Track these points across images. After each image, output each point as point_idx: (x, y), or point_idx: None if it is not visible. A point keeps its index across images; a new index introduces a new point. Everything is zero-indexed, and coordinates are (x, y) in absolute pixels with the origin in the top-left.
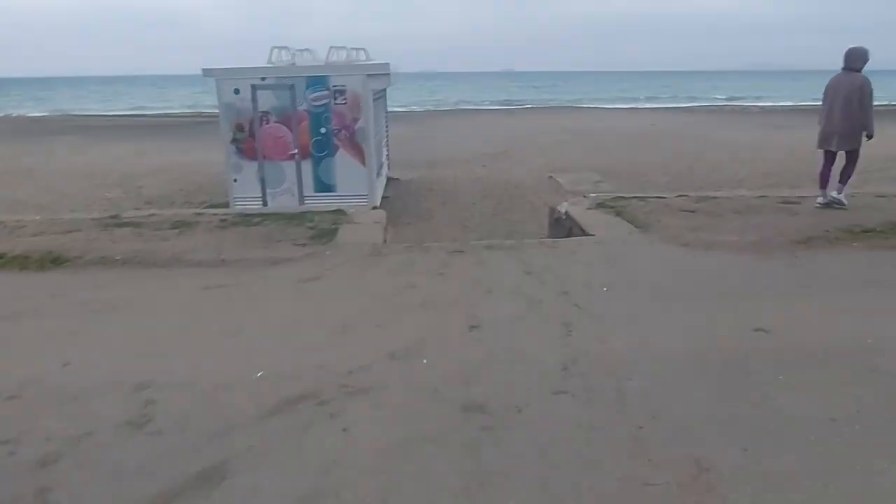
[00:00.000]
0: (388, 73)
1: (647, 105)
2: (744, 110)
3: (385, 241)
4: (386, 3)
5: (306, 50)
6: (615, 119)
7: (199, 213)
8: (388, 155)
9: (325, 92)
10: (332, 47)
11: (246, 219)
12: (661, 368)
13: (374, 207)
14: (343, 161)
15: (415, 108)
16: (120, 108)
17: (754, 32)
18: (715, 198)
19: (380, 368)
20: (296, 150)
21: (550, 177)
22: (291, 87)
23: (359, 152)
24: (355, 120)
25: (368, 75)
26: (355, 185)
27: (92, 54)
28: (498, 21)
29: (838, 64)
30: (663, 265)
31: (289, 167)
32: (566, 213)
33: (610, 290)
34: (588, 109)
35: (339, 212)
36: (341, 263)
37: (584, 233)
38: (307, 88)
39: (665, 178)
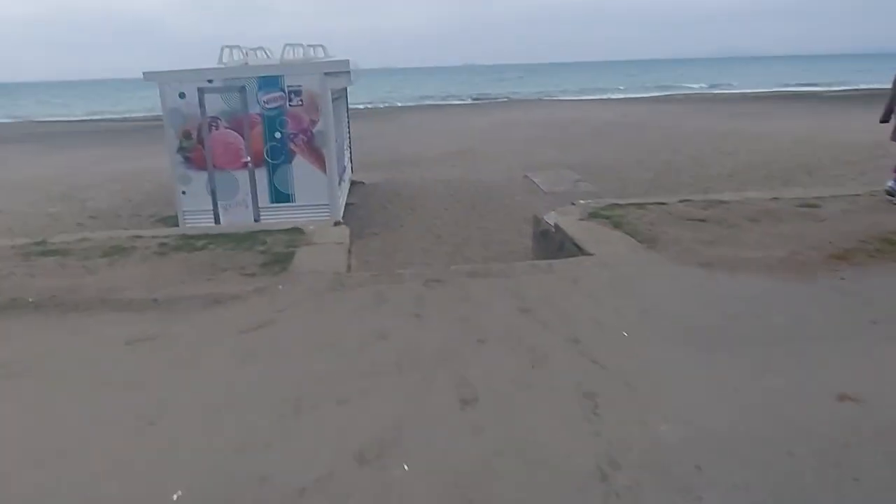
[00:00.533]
0: (349, 71)
1: (616, 96)
2: (714, 98)
3: (349, 267)
4: (343, 0)
5: (260, 49)
6: (585, 111)
7: (136, 237)
8: (350, 157)
9: (279, 93)
10: (287, 45)
11: (189, 242)
12: (734, 472)
13: (337, 223)
14: (301, 168)
15: (378, 104)
16: (79, 113)
17: (719, 19)
18: (723, 202)
19: (344, 481)
20: (249, 158)
21: (525, 176)
22: (242, 89)
23: (318, 158)
24: (313, 122)
25: (326, 74)
26: (315, 193)
27: (54, 59)
28: (455, 15)
29: (804, 48)
30: (685, 295)
31: (242, 176)
32: (556, 225)
33: (631, 335)
34: (556, 102)
35: (295, 230)
36: (296, 302)
37: (580, 250)
38: (259, 90)
39: (647, 174)
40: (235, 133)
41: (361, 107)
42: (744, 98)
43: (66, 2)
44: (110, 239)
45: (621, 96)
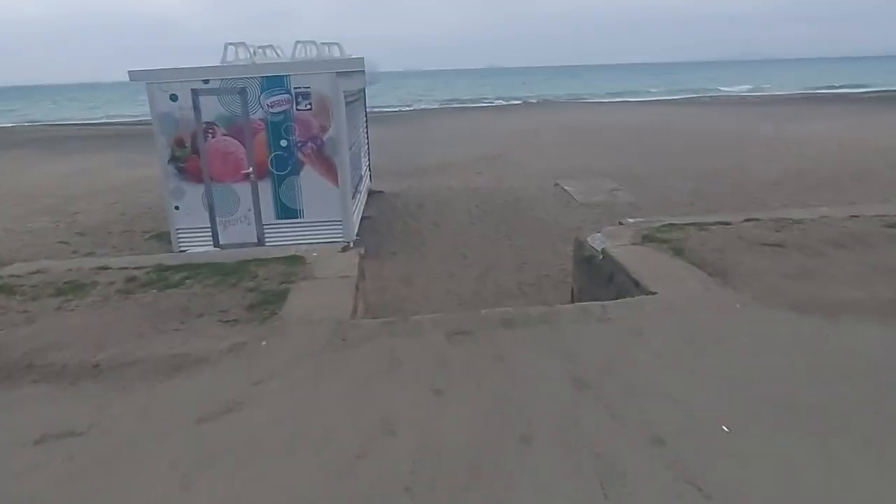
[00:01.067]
0: (363, 70)
1: (644, 98)
2: (743, 101)
3: (354, 310)
4: (364, 3)
5: (269, 47)
6: (615, 114)
7: (100, 269)
8: (369, 165)
9: (285, 96)
10: (298, 42)
11: (163, 276)
12: None
13: (345, 247)
14: (310, 180)
15: (402, 107)
16: (99, 116)
17: (740, 22)
18: (797, 222)
19: None
20: (251, 169)
21: (556, 184)
22: (242, 91)
23: (329, 169)
24: (323, 129)
25: (338, 74)
26: (326, 208)
27: (73, 61)
28: (477, 17)
29: (824, 51)
30: (781, 353)
31: (243, 190)
32: (604, 251)
33: (734, 429)
34: (585, 105)
35: (294, 259)
36: (280, 369)
37: (637, 286)
38: (262, 92)
39: (688, 183)
40: (235, 141)
41: (384, 110)
42: (773, 100)
43: (85, 4)
44: (69, 272)
45: (650, 99)
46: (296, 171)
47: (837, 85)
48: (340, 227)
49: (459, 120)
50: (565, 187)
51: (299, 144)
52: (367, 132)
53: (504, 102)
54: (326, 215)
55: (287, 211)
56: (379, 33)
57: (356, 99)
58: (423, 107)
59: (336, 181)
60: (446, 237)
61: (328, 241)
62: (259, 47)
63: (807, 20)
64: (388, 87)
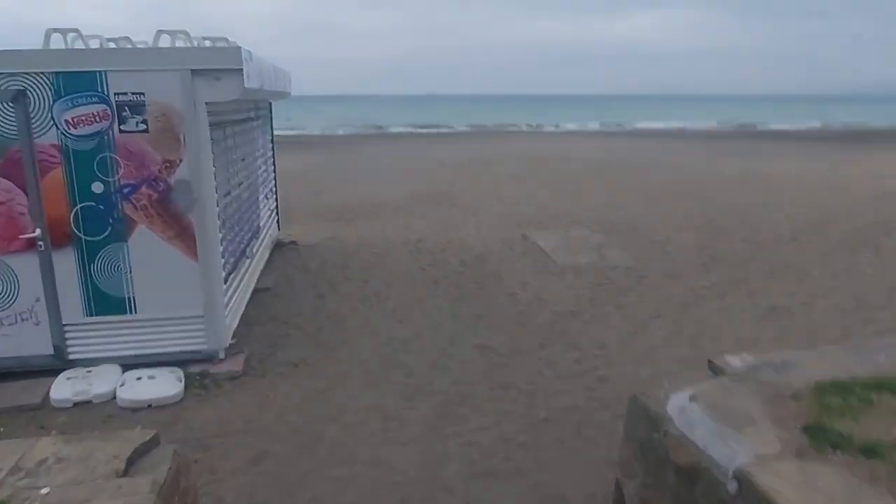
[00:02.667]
0: (241, 69)
1: (576, 128)
2: (696, 134)
3: None
4: (302, 26)
5: (124, 38)
6: (564, 145)
7: None
8: (276, 208)
9: (99, 106)
10: (160, 31)
11: None
12: None
13: (219, 357)
14: (147, 250)
15: (327, 131)
16: None
17: (667, 59)
18: None
19: None
20: (37, 232)
21: (525, 236)
22: (20, 95)
23: (181, 231)
24: (169, 165)
25: (196, 72)
26: (177, 298)
27: None
28: (417, 45)
29: (742, 89)
30: None
31: (24, 266)
32: (741, 477)
33: None
34: (529, 134)
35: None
36: None
37: None
38: (58, 99)
39: (689, 237)
40: (8, 182)
41: (307, 133)
42: (720, 135)
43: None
44: None
45: (587, 129)
46: (121, 236)
47: (758, 121)
48: (202, 328)
49: (397, 147)
50: (538, 242)
51: (126, 190)
52: (273, 165)
53: (448, 130)
54: (179, 307)
55: (106, 302)
56: (312, 57)
57: (250, 118)
58: (354, 132)
59: (194, 252)
60: (379, 328)
61: (179, 352)
62: (109, 39)
63: (720, 58)
64: (315, 111)
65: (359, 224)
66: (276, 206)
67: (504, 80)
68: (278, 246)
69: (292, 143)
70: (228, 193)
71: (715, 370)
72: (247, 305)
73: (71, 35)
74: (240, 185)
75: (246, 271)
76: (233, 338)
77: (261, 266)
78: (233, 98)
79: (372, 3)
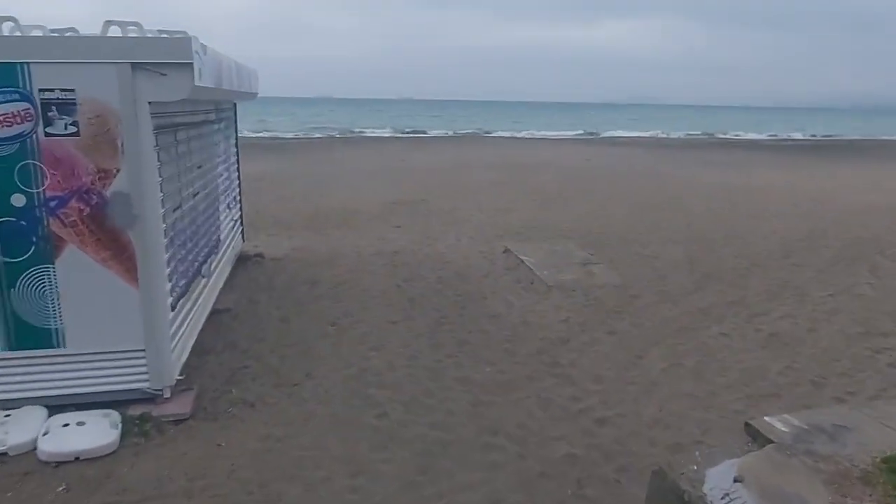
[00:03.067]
0: (190, 63)
1: (554, 135)
2: (670, 143)
3: None
4: (278, 27)
5: (70, 29)
6: (543, 152)
7: None
8: (240, 218)
9: (20, 105)
10: (108, 22)
11: None
12: None
13: (164, 397)
14: (78, 273)
15: (297, 134)
16: None
17: (635, 68)
18: None
19: None
20: None
21: (507, 250)
22: None
23: (119, 251)
24: (104, 175)
25: (137, 66)
26: (114, 328)
27: None
28: (394, 48)
29: (710, 99)
30: None
31: None
32: None
33: None
34: (505, 140)
35: None
36: None
37: None
38: None
39: (678, 251)
40: None
41: (279, 136)
42: (695, 144)
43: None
44: None
45: (573, 136)
46: (47, 257)
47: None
48: (143, 363)
49: (371, 152)
50: (521, 256)
51: (53, 204)
52: (238, 171)
53: (426, 134)
54: (114, 342)
55: (29, 334)
56: (290, 56)
57: (209, 121)
58: (327, 134)
59: (134, 275)
60: (350, 358)
61: (116, 391)
62: (32, 26)
63: (696, 69)
64: (289, 112)
65: (331, 234)
66: (241, 216)
67: (482, 86)
68: (242, 259)
69: (264, 146)
70: (179, 206)
71: (754, 436)
72: (202, 331)
73: (8, 24)
74: (195, 195)
75: (201, 293)
76: (181, 373)
77: (220, 284)
78: (181, 97)
79: (350, 5)
